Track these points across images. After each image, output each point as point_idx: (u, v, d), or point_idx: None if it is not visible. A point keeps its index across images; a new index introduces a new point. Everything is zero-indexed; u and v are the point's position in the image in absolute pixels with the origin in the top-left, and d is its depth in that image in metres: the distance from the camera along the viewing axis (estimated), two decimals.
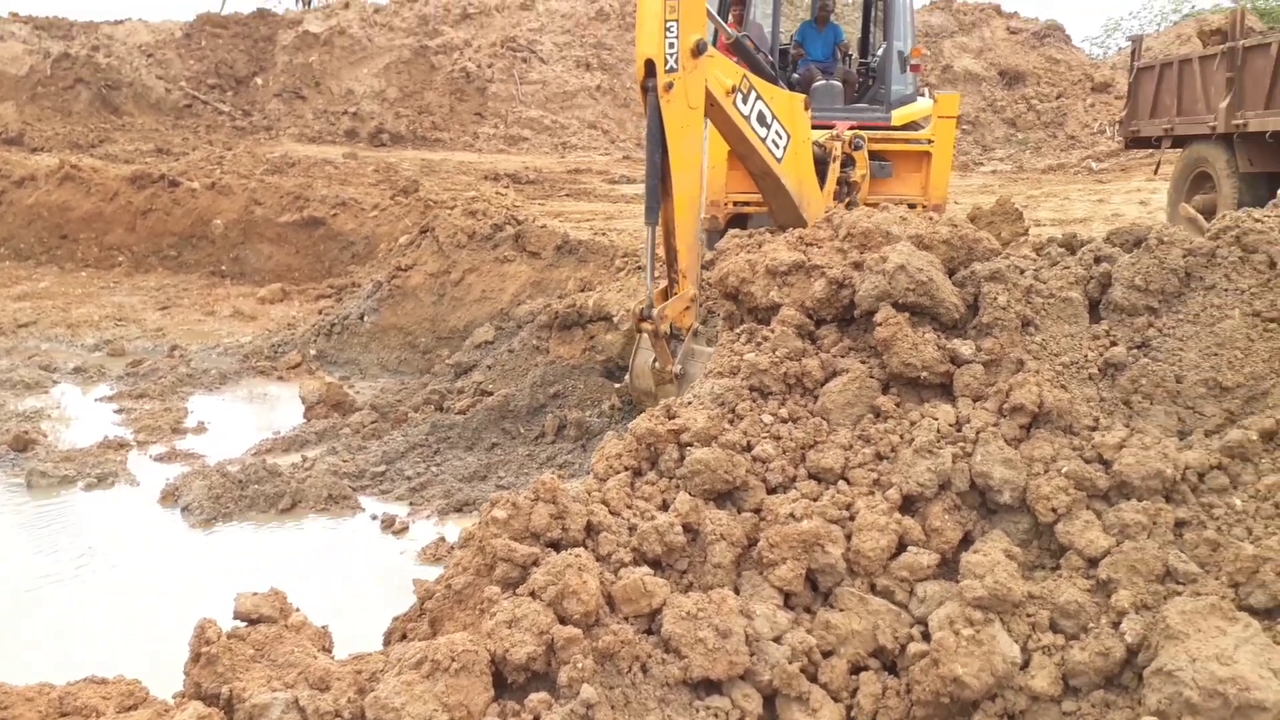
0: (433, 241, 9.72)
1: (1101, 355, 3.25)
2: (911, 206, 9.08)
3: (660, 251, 5.19)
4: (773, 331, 3.59)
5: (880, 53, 9.78)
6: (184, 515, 5.75)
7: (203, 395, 8.44)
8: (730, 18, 9.52)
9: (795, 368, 3.49)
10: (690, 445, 3.18)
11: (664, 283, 5.23)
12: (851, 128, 8.53)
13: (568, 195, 16.92)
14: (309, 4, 31.81)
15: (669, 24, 4.86)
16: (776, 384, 3.47)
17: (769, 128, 6.37)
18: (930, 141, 8.92)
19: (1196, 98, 9.31)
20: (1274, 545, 2.66)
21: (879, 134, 8.93)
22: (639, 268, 8.01)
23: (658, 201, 4.93)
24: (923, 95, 9.70)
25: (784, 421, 3.35)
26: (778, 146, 6.44)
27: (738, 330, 3.80)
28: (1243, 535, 2.78)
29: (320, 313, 10.74)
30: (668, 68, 4.83)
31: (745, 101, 5.97)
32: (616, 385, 6.99)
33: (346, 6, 27.14)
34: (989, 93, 24.50)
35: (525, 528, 2.90)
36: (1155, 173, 11.76)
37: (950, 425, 3.18)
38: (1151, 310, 3.31)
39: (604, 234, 10.56)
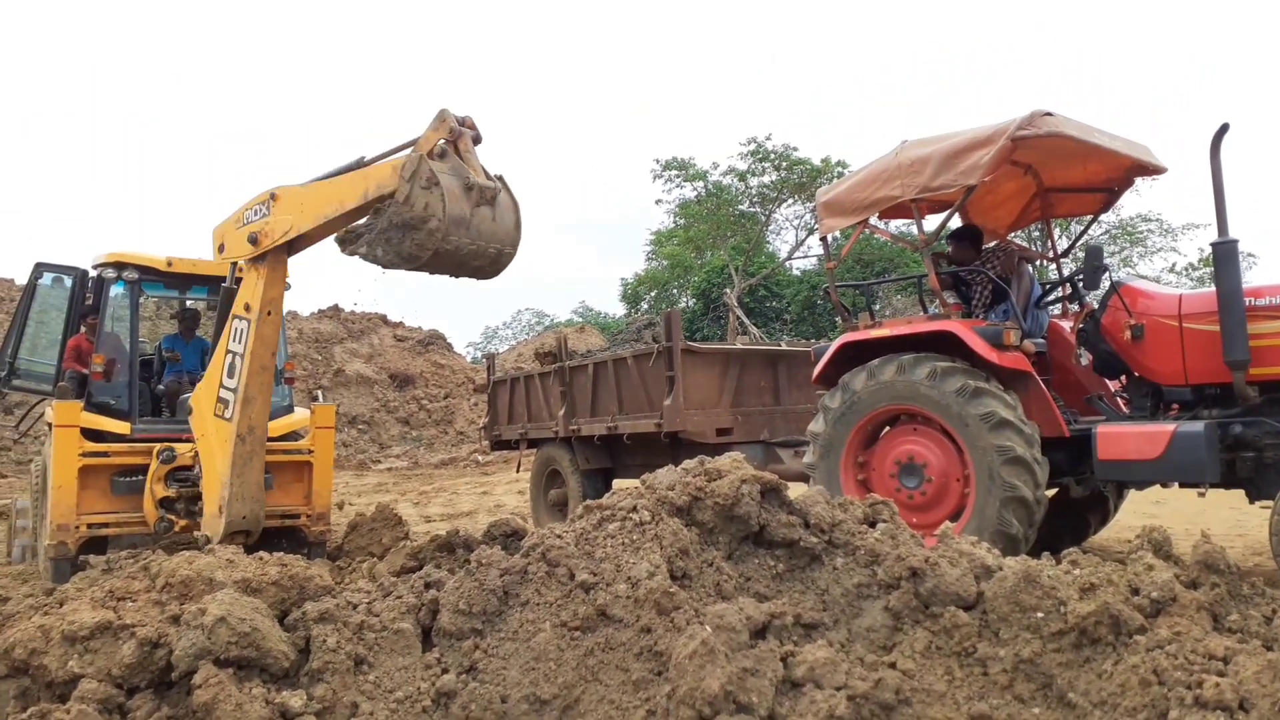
0: None
1: (434, 685, 3.29)
2: (295, 517, 8.98)
3: None
4: (69, 713, 3.01)
5: None
6: None
7: None
8: (82, 328, 8.83)
9: None
10: None
11: None
12: None
13: None
14: None
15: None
16: None
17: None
18: (310, 451, 8.96)
19: (542, 407, 10.82)
20: None
21: None
22: None
23: None
24: (316, 401, 9.82)
25: None
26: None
27: (26, 714, 3.12)
28: None
29: None
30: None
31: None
32: None
33: None
34: (381, 394, 25.95)
35: None
36: (518, 470, 13.22)
37: None
38: (477, 632, 3.48)
39: None
